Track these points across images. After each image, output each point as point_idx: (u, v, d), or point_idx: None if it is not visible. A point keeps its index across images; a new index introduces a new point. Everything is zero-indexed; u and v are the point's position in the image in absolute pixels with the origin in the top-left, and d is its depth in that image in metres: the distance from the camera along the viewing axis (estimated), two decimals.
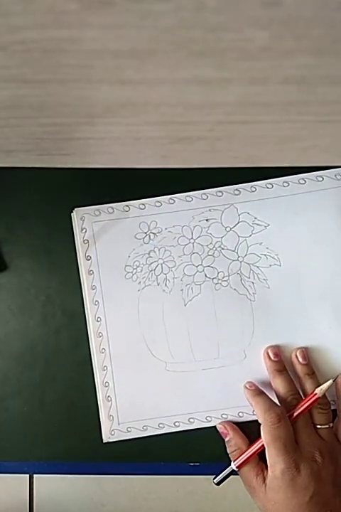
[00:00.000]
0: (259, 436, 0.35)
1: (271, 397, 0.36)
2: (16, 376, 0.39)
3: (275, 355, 0.37)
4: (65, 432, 0.39)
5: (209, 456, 0.39)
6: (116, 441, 0.38)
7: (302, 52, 0.20)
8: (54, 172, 0.39)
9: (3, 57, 0.20)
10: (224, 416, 0.38)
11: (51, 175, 0.40)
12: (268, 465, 0.34)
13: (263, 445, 0.34)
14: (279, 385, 0.37)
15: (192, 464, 0.39)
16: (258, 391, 0.37)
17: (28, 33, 0.18)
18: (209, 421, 0.38)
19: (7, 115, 0.26)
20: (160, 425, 0.38)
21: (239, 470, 0.36)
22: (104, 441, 0.38)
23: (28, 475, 0.40)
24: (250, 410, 0.38)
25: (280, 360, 0.37)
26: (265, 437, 0.34)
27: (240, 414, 0.38)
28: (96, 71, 0.21)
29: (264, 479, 0.34)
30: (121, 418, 0.38)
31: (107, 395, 0.38)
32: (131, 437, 0.38)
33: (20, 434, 0.39)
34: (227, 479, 0.37)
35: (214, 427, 0.38)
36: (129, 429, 0.38)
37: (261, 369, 0.38)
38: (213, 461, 0.38)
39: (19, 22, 0.18)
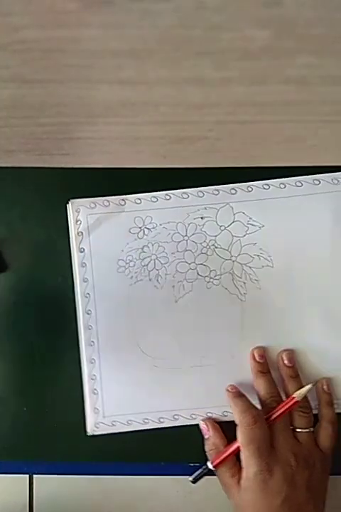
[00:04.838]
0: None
1: (254, 398, 0.37)
2: (16, 376, 0.39)
3: (261, 356, 0.37)
4: (65, 431, 0.39)
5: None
6: (101, 435, 0.38)
7: (303, 52, 0.20)
8: (54, 172, 0.39)
9: (3, 57, 0.20)
10: (209, 414, 0.38)
11: (51, 175, 0.39)
12: (243, 466, 0.34)
13: (239, 446, 0.34)
14: (261, 386, 0.37)
15: (192, 465, 0.39)
16: (238, 393, 0.37)
17: (28, 32, 0.18)
18: (194, 419, 0.38)
19: (7, 115, 0.26)
20: (145, 420, 0.38)
21: (215, 469, 0.36)
22: (89, 434, 0.38)
23: (28, 475, 0.40)
24: None
25: (265, 362, 0.37)
26: (240, 438, 0.34)
27: (225, 413, 0.38)
28: (96, 71, 0.21)
29: (239, 480, 0.34)
30: (106, 411, 0.38)
31: (94, 387, 0.38)
32: (115, 431, 0.38)
33: (20, 434, 0.39)
34: (204, 478, 0.37)
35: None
36: (114, 423, 0.38)
37: (249, 369, 0.38)
38: None
39: (19, 22, 0.18)
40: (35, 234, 0.40)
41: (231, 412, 0.37)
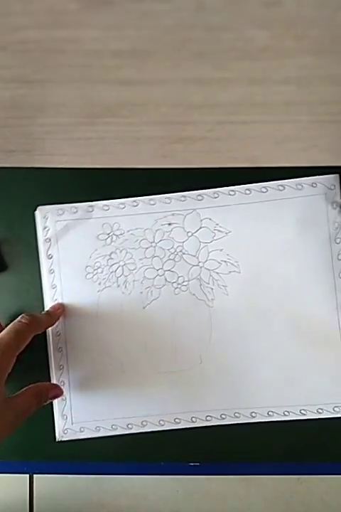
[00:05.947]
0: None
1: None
2: (16, 376, 0.39)
3: None
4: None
5: (209, 456, 0.39)
6: (69, 441, 0.39)
7: (302, 52, 0.20)
8: (54, 172, 0.39)
9: (3, 57, 0.20)
10: (176, 420, 0.38)
11: (51, 174, 0.39)
12: None
13: None
14: None
15: (192, 464, 0.39)
16: None
17: (28, 32, 0.18)
18: (163, 425, 0.38)
19: (7, 115, 0.26)
20: (113, 427, 0.38)
21: None
22: (57, 440, 0.39)
23: (28, 475, 0.40)
24: (203, 415, 0.38)
25: None
26: None
27: (193, 418, 0.38)
28: (96, 71, 0.21)
29: None
30: (74, 418, 0.39)
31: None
32: (83, 437, 0.39)
33: (20, 434, 0.39)
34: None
35: (215, 426, 0.38)
36: (82, 429, 0.39)
37: (217, 374, 0.38)
38: (213, 461, 0.38)
39: (19, 22, 0.18)
40: (35, 234, 0.40)
41: (200, 417, 0.38)
